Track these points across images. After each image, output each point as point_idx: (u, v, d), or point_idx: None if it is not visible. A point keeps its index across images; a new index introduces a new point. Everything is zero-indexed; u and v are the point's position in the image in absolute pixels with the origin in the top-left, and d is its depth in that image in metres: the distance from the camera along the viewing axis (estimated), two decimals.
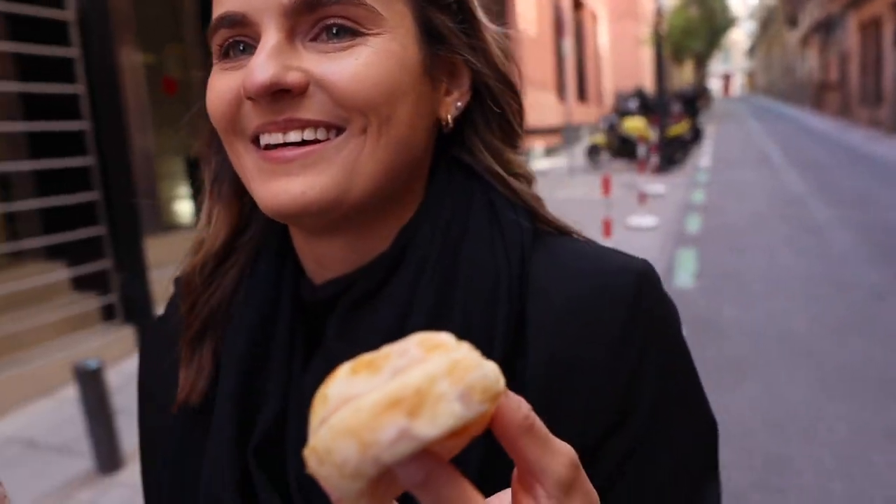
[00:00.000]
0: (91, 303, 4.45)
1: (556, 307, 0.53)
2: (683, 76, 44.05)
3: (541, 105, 15.49)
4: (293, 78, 0.48)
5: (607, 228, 5.04)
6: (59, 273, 4.45)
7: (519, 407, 0.33)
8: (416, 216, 0.56)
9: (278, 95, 0.49)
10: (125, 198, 4.27)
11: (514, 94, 0.60)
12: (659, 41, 14.06)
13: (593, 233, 5.25)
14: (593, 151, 14.13)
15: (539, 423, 0.34)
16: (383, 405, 0.28)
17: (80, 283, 4.54)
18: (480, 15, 0.58)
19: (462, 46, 0.56)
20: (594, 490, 0.38)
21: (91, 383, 2.92)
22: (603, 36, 24.88)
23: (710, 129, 22.50)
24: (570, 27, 13.77)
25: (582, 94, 21.20)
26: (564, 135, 16.65)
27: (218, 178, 0.61)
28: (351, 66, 0.49)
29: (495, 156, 0.59)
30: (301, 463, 0.45)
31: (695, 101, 16.41)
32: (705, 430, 0.56)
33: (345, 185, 0.50)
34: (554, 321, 0.53)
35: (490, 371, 0.31)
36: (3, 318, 3.96)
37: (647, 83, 25.69)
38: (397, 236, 0.55)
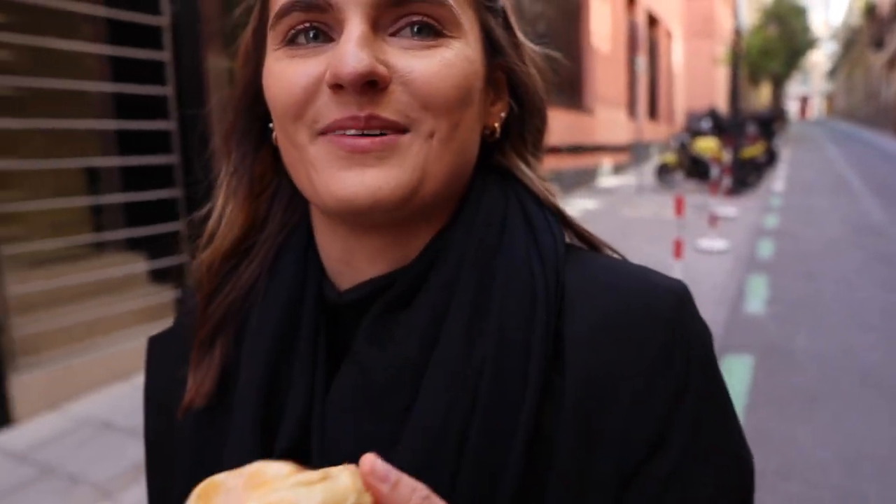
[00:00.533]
0: (166, 295, 4.63)
1: (591, 323, 0.51)
2: (759, 97, 42.92)
3: (611, 122, 15.36)
4: (382, 71, 0.47)
5: (678, 249, 4.94)
6: (138, 265, 4.65)
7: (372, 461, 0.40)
8: (452, 222, 0.54)
9: (366, 87, 0.47)
10: (204, 196, 4.43)
11: (544, 108, 0.60)
12: (736, 61, 13.73)
13: (662, 253, 5.20)
14: (663, 171, 13.89)
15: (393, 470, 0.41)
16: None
17: (157, 276, 4.72)
18: (520, 35, 0.59)
19: (514, 59, 0.57)
20: None
21: None
22: (677, 53, 24.49)
23: (785, 153, 21.84)
24: (644, 44, 13.61)
25: (653, 112, 20.90)
26: (634, 153, 16.45)
27: (236, 173, 0.59)
28: (436, 65, 0.49)
29: (527, 163, 0.60)
30: (323, 459, 0.48)
31: (771, 123, 15.96)
32: (742, 461, 0.53)
33: (416, 184, 0.49)
34: (590, 338, 0.51)
35: (344, 477, 0.39)
36: (83, 305, 4.16)
37: (721, 103, 25.12)
38: (434, 239, 0.54)
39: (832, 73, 78.40)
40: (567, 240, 0.58)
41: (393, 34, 0.49)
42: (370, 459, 0.40)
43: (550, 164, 11.49)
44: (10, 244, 3.67)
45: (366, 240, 0.53)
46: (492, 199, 0.55)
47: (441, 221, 0.54)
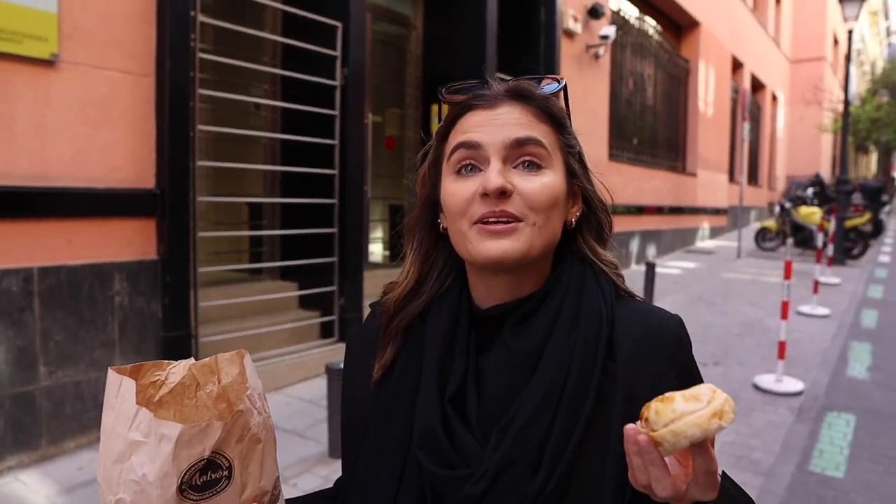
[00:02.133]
0: (314, 320, 5.25)
1: (631, 337, 0.86)
2: (867, 166, 41.42)
3: (712, 185, 15.45)
4: (509, 187, 0.83)
5: (785, 311, 5.19)
6: (291, 291, 5.31)
7: None
8: (554, 272, 0.90)
9: (500, 195, 0.82)
10: (356, 235, 5.08)
11: (608, 215, 0.95)
12: (845, 130, 13.65)
13: (761, 314, 5.54)
14: (763, 235, 13.88)
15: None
16: (711, 414, 0.65)
17: (306, 302, 5.35)
18: (590, 166, 0.94)
19: (585, 180, 0.92)
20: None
21: (337, 380, 3.59)
22: (780, 119, 24.22)
23: (893, 224, 21.14)
24: (747, 109, 13.76)
25: (754, 177, 20.73)
26: (733, 216, 16.42)
27: (419, 248, 0.95)
28: (537, 185, 0.84)
29: (592, 249, 0.93)
30: (479, 408, 0.85)
31: (879, 193, 15.62)
32: None
33: (525, 251, 0.83)
34: (630, 346, 0.86)
35: (732, 402, 0.67)
36: (244, 324, 4.81)
37: (824, 170, 24.59)
38: (546, 281, 0.89)
39: None
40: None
41: (515, 167, 0.85)
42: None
43: (651, 223, 11.77)
44: (201, 266, 4.35)
45: (500, 278, 0.88)
46: (576, 266, 0.91)
47: (539, 274, 0.89)
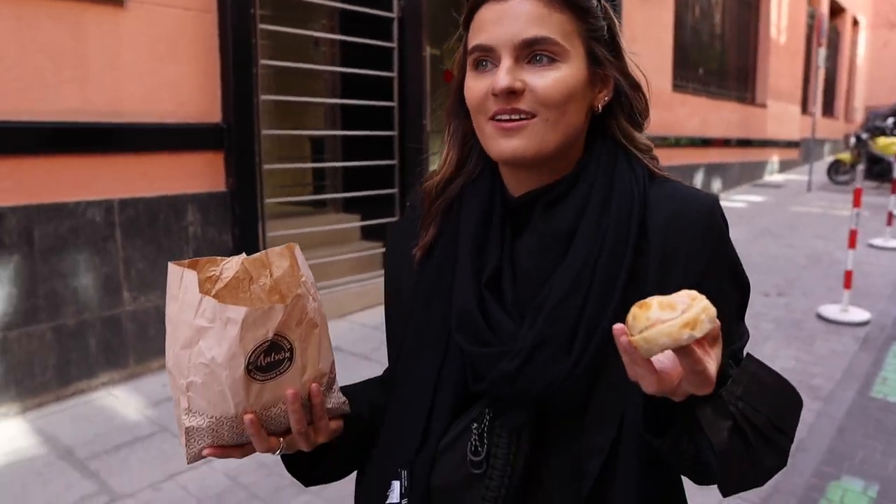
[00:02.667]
0: (376, 250, 5.40)
1: (664, 217, 0.86)
2: None
3: (783, 117, 14.83)
4: (518, 85, 0.82)
5: (853, 239, 5.05)
6: (353, 222, 5.46)
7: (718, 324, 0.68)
8: (583, 157, 0.89)
9: (509, 94, 0.82)
10: (416, 165, 5.16)
11: (641, 94, 0.92)
12: None
13: (830, 247, 5.42)
14: (836, 168, 13.33)
15: (718, 323, 0.68)
16: (682, 325, 0.64)
17: (368, 233, 5.50)
18: (623, 44, 0.90)
19: (610, 66, 0.88)
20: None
21: None
22: (862, 45, 22.83)
23: None
24: (825, 35, 13.04)
25: (829, 108, 19.75)
26: (805, 149, 15.78)
27: (455, 134, 0.95)
28: (550, 79, 0.82)
29: (624, 132, 0.91)
30: (513, 290, 0.87)
31: None
32: (744, 291, 0.91)
33: (538, 148, 0.83)
34: (663, 225, 0.85)
35: (713, 309, 0.66)
36: (309, 254, 4.99)
37: None
38: (576, 166, 0.88)
39: None
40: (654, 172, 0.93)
41: (528, 62, 0.83)
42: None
43: (717, 156, 11.44)
44: (267, 198, 4.52)
45: (525, 171, 0.89)
46: (607, 150, 0.90)
47: (569, 162, 0.89)
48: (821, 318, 4.99)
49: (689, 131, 10.40)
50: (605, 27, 0.88)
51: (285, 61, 4.84)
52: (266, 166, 4.41)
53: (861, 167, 5.61)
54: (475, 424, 0.87)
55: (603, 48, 0.87)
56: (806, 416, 3.34)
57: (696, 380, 0.69)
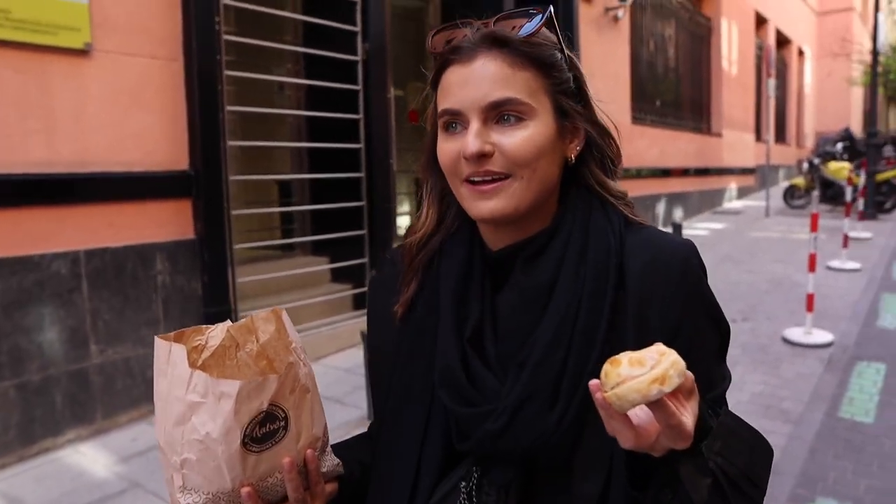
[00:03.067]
0: (347, 292, 5.38)
1: (641, 264, 0.86)
2: None
3: (738, 145, 15.26)
4: (487, 148, 0.83)
5: (812, 263, 5.20)
6: (323, 265, 5.45)
7: (689, 376, 0.70)
8: (560, 210, 0.90)
9: (481, 157, 0.83)
10: (385, 206, 5.19)
11: (612, 141, 0.93)
12: (874, 82, 13.37)
13: (790, 270, 5.59)
14: (791, 193, 13.74)
15: (691, 376, 0.70)
16: (651, 381, 0.65)
17: (338, 275, 5.48)
18: (590, 92, 0.91)
19: (579, 118, 0.89)
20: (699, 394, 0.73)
21: None
22: (808, 74, 23.70)
23: None
24: (773, 65, 13.53)
25: (781, 135, 20.39)
26: (760, 176, 16.23)
27: (433, 190, 0.96)
28: (519, 139, 0.83)
29: (598, 180, 0.92)
30: (496, 346, 0.86)
31: None
32: (723, 334, 0.92)
33: (515, 206, 0.84)
34: (640, 272, 0.86)
35: (682, 363, 0.67)
36: (280, 298, 4.96)
37: (854, 125, 24.02)
38: (553, 219, 0.89)
39: None
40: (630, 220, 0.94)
41: (496, 123, 0.84)
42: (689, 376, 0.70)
43: (677, 185, 11.70)
44: (236, 244, 4.49)
45: (502, 229, 0.90)
46: (582, 199, 0.90)
47: (546, 214, 0.89)
48: (786, 341, 5.10)
49: (649, 162, 10.64)
50: (571, 78, 0.89)
51: (251, 106, 4.86)
52: (234, 212, 4.40)
53: (816, 192, 5.79)
54: (463, 483, 0.87)
55: (570, 100, 0.88)
56: (778, 440, 3.40)
57: (672, 434, 0.69)
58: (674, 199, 11.58)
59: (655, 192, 10.77)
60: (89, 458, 3.47)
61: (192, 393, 0.78)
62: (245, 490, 0.80)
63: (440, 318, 0.90)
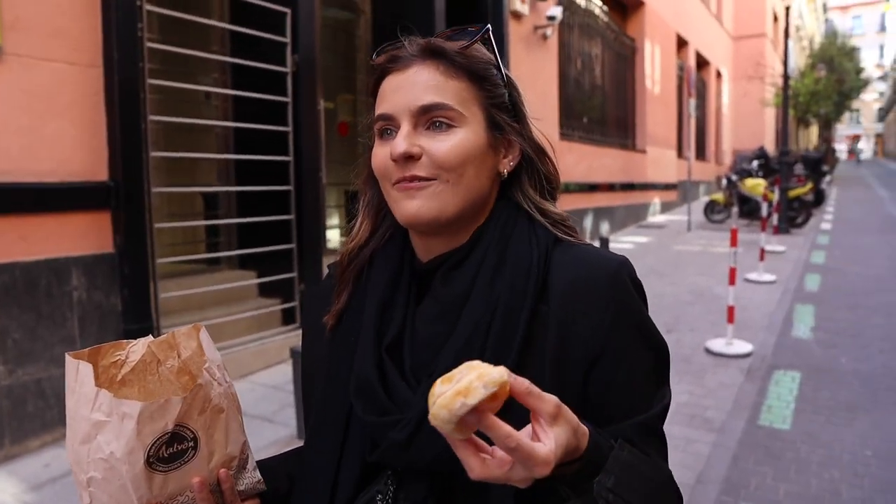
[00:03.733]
0: (275, 307, 5.26)
1: (566, 280, 0.85)
2: (808, 138, 42.71)
3: (661, 161, 15.79)
4: (415, 150, 0.84)
5: (732, 277, 5.41)
6: (250, 280, 5.31)
7: (523, 382, 0.64)
8: (483, 224, 0.89)
9: (408, 159, 0.84)
10: (314, 220, 5.10)
11: (547, 159, 0.94)
12: (785, 104, 14.10)
13: (711, 282, 5.84)
14: (711, 208, 14.30)
15: (535, 388, 0.64)
16: (454, 394, 0.60)
17: (265, 290, 5.36)
18: (527, 111, 0.93)
19: (513, 132, 0.90)
20: (575, 417, 0.68)
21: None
22: (725, 95, 24.80)
23: (833, 193, 21.92)
24: (694, 86, 14.09)
25: (701, 152, 21.23)
26: (682, 191, 16.83)
27: (370, 203, 0.96)
28: (445, 145, 0.84)
29: (528, 197, 0.92)
30: (412, 356, 0.84)
31: (820, 163, 16.18)
32: (658, 354, 0.89)
33: (439, 209, 0.84)
34: (564, 289, 0.85)
35: (496, 372, 0.62)
36: (204, 314, 4.80)
37: (769, 143, 25.26)
38: (473, 233, 0.89)
39: (884, 113, 77.10)
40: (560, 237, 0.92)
41: (426, 128, 0.85)
42: (525, 383, 0.64)
43: (603, 200, 11.99)
44: (159, 257, 4.33)
45: (431, 238, 0.90)
46: (506, 213, 0.90)
47: (473, 228, 0.89)
48: (708, 352, 5.28)
49: (576, 177, 10.87)
50: (507, 94, 0.90)
51: (177, 116, 4.71)
52: (157, 224, 4.24)
53: (735, 208, 6.04)
54: (379, 496, 0.85)
55: (504, 114, 0.90)
56: (703, 449, 3.49)
57: (522, 460, 0.63)
58: (600, 213, 11.87)
59: (583, 207, 11.01)
60: None
61: (96, 412, 0.78)
62: None
63: (362, 327, 0.90)
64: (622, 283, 0.87)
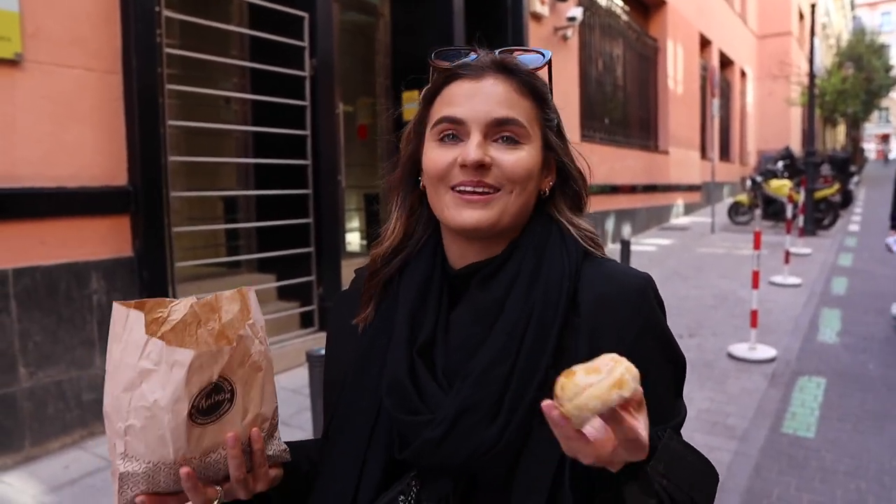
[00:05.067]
0: (293, 310, 5.28)
1: (595, 294, 0.89)
2: (835, 137, 42.02)
3: (684, 162, 15.62)
4: (487, 160, 0.88)
5: (755, 280, 5.31)
6: (269, 283, 5.33)
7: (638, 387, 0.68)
8: (519, 236, 0.93)
9: (478, 167, 0.87)
10: (332, 224, 5.10)
11: (583, 181, 0.99)
12: (811, 103, 13.87)
13: (734, 286, 5.72)
14: (735, 210, 14.11)
15: (640, 388, 0.68)
16: (610, 385, 0.65)
17: (284, 293, 5.37)
18: (566, 135, 0.99)
19: (562, 153, 0.96)
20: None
21: (319, 366, 3.63)
22: (750, 94, 24.48)
23: (861, 193, 21.54)
24: (717, 86, 13.92)
25: (725, 153, 20.98)
26: (706, 192, 16.63)
27: (402, 205, 0.98)
28: (514, 159, 0.89)
29: (563, 214, 0.96)
30: (445, 358, 0.87)
31: (848, 163, 15.90)
32: (677, 367, 0.94)
33: (497, 219, 0.89)
34: (593, 302, 0.88)
35: (636, 369, 0.67)
36: None
37: (794, 143, 24.88)
38: (509, 244, 0.92)
39: None
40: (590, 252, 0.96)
41: (494, 141, 0.89)
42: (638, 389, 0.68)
43: (625, 202, 11.89)
44: (178, 261, 4.36)
45: (469, 244, 0.93)
46: (541, 227, 0.94)
47: (509, 238, 0.93)
48: (731, 356, 5.19)
49: (598, 179, 10.77)
50: (557, 119, 0.97)
51: (195, 121, 4.74)
52: (176, 229, 4.26)
53: (759, 210, 5.94)
54: (402, 496, 0.87)
55: (555, 136, 0.95)
56: (724, 457, 3.43)
57: (629, 446, 0.70)
58: (622, 215, 11.76)
59: (604, 209, 10.92)
60: (16, 488, 3.29)
61: (144, 360, 0.78)
62: (184, 471, 0.80)
63: (394, 330, 0.92)
64: (648, 299, 0.91)
